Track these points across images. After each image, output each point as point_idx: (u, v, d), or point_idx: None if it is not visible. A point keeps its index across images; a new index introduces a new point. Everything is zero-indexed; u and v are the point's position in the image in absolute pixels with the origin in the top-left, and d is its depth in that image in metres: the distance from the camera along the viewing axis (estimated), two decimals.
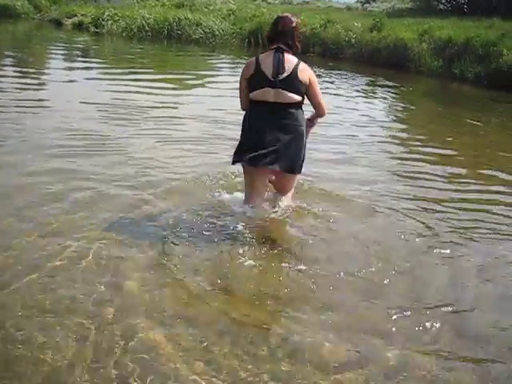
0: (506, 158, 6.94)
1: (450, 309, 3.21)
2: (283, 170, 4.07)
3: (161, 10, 20.81)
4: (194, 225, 4.00)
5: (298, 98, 3.94)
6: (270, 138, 3.95)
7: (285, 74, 3.90)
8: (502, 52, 13.80)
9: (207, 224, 4.01)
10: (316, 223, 4.24)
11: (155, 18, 19.27)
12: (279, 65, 3.90)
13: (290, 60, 3.92)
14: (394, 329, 2.96)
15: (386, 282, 3.45)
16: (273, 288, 3.31)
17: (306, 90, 3.95)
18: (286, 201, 4.38)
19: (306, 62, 4.04)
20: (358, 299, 3.26)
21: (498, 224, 4.57)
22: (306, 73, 3.92)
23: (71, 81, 10.13)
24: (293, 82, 3.90)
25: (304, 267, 3.53)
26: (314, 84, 3.97)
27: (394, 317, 3.07)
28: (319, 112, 4.16)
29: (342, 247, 3.95)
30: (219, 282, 3.30)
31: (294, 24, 3.97)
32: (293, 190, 4.41)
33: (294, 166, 4.10)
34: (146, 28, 18.99)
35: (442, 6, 22.97)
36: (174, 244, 3.69)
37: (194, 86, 10.65)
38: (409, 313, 3.11)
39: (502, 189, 5.60)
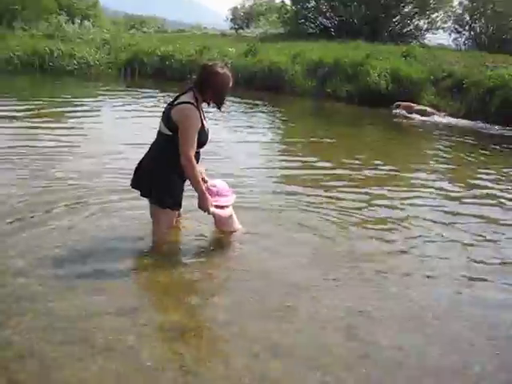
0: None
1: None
2: (141, 194, 4.24)
3: (30, 41, 19.93)
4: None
5: (167, 131, 3.99)
6: (140, 161, 4.21)
7: (167, 107, 4.04)
8: (368, 71, 14.74)
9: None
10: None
11: (24, 49, 18.43)
12: (174, 99, 4.08)
13: (181, 98, 4.01)
14: None
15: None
16: None
17: (176, 130, 3.94)
18: (153, 235, 4.29)
19: (186, 91, 4.07)
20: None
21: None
22: (179, 113, 3.94)
23: None
24: (167, 115, 4.00)
25: None
26: (182, 130, 3.91)
27: None
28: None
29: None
30: None
31: (205, 74, 4.02)
32: (159, 230, 4.24)
33: (146, 190, 4.16)
34: (16, 60, 18.09)
35: (310, 30, 24.14)
36: None
37: (68, 116, 10.29)
38: None
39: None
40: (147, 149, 4.24)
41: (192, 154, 3.93)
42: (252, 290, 3.67)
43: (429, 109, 13.34)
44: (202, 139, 4.06)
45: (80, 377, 2.67)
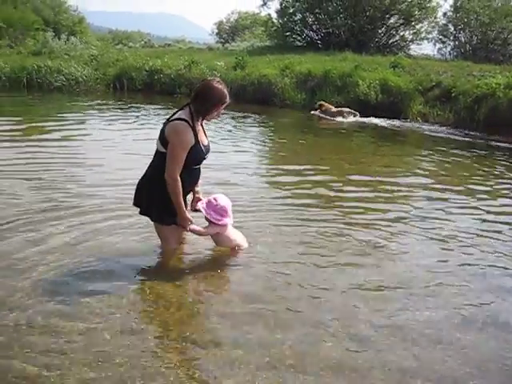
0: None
1: None
2: (141, 213, 4.20)
3: (17, 58, 19.89)
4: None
5: (162, 148, 3.95)
6: (140, 179, 4.18)
7: (164, 123, 4.03)
8: (357, 82, 14.85)
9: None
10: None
11: (11, 66, 18.35)
12: (171, 115, 4.04)
13: (177, 114, 3.98)
14: None
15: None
16: None
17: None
18: (161, 252, 4.28)
19: (183, 107, 4.07)
20: None
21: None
22: (169, 130, 3.91)
23: None
24: (162, 133, 3.98)
25: None
26: (170, 146, 3.88)
27: None
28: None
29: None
30: None
31: (202, 90, 3.98)
32: (168, 247, 4.25)
33: (145, 209, 4.14)
34: (3, 77, 18.02)
35: (297, 43, 24.32)
36: None
37: (61, 131, 10.18)
38: None
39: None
40: (141, 162, 4.25)
41: (177, 172, 3.87)
42: (260, 306, 3.65)
43: (345, 109, 13.98)
44: (198, 155, 4.02)
45: None
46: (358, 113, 13.91)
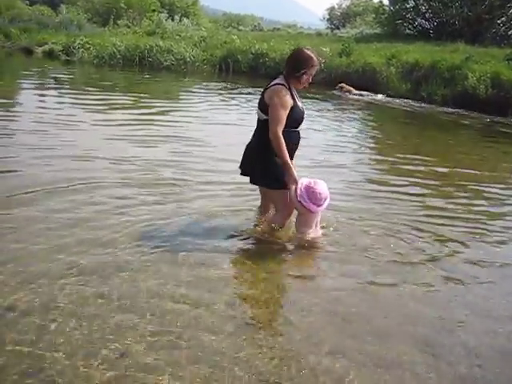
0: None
1: None
2: (252, 182, 4.38)
3: (132, 37, 20.94)
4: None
5: (262, 116, 4.11)
6: (246, 148, 4.37)
7: (262, 92, 4.20)
8: (466, 75, 14.19)
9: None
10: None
11: (126, 45, 19.37)
12: (266, 85, 4.21)
13: (272, 82, 4.14)
14: None
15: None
16: None
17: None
18: (271, 218, 4.41)
19: (276, 76, 4.21)
20: None
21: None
22: (269, 93, 4.05)
23: (52, 107, 9.86)
24: (261, 101, 4.15)
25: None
26: (271, 106, 4.00)
27: None
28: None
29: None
30: None
31: (291, 54, 4.22)
32: (282, 213, 4.32)
33: (256, 177, 4.28)
34: (118, 55, 19.05)
35: (408, 31, 23.58)
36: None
37: (167, 110, 10.63)
38: None
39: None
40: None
41: (279, 130, 4.00)
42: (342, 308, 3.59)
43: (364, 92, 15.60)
44: (298, 115, 4.14)
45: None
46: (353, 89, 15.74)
